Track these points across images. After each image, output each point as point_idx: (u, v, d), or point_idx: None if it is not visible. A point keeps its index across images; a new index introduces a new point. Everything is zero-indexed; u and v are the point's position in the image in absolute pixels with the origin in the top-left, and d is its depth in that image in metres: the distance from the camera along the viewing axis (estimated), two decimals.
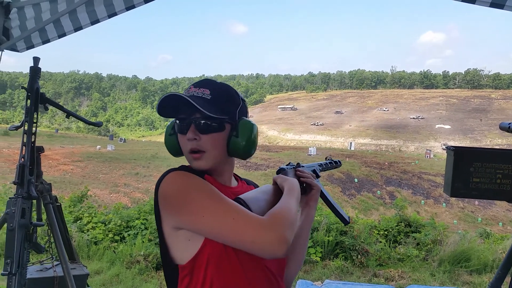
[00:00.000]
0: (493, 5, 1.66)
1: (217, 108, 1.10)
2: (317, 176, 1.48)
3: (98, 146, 44.22)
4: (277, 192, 1.20)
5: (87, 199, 9.86)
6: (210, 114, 1.06)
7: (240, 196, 1.10)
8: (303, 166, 1.42)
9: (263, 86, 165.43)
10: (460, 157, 1.39)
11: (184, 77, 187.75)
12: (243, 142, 1.14)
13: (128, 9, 2.14)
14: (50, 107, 1.89)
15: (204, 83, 1.16)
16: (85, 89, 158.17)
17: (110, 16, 2.20)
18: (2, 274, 1.52)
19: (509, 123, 1.51)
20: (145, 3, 2.06)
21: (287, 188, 1.17)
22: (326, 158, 1.62)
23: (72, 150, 39.16)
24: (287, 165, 1.38)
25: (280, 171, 1.32)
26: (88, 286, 2.06)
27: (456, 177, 1.37)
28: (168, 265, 1.10)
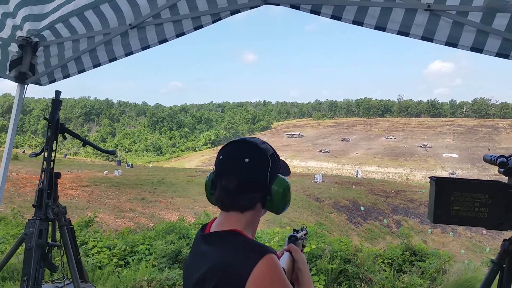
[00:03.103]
0: (473, 49, 1.84)
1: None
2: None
3: (106, 171, 44.42)
4: (291, 262, 1.37)
5: (93, 224, 9.93)
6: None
7: None
8: (304, 238, 1.60)
9: (270, 113, 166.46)
10: (441, 187, 1.51)
11: (193, 103, 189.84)
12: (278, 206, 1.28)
13: (143, 49, 2.35)
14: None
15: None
16: (95, 115, 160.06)
17: (127, 54, 2.41)
18: None
19: (491, 156, 1.64)
20: (159, 44, 2.26)
21: (308, 277, 1.36)
22: (302, 228, 1.72)
23: (79, 175, 39.39)
24: (296, 231, 1.54)
25: (292, 239, 1.48)
26: None
27: (437, 205, 1.49)
28: None
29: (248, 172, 1.24)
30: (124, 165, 62.88)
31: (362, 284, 6.20)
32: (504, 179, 1.60)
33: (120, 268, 6.81)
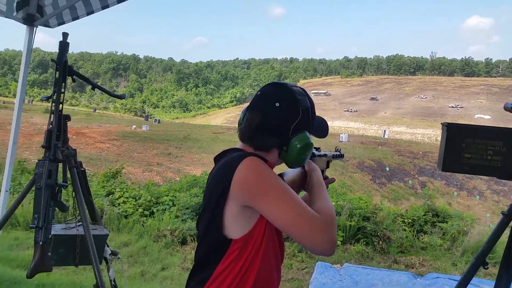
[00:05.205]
0: None
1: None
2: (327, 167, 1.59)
3: (134, 126, 45.33)
4: (303, 174, 1.39)
5: (120, 175, 10.23)
6: None
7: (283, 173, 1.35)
8: (325, 154, 1.55)
9: (296, 71, 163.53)
10: (453, 133, 1.42)
11: (219, 60, 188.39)
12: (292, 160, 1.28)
13: None
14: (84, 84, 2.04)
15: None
16: (123, 70, 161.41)
17: None
18: (30, 227, 1.70)
19: None
20: None
21: (319, 180, 1.34)
22: (335, 149, 1.69)
23: (108, 129, 40.35)
24: (316, 148, 1.48)
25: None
26: (107, 246, 2.23)
27: (448, 152, 1.40)
28: (218, 238, 1.20)
29: (274, 116, 1.24)
30: (151, 120, 63.93)
31: (380, 242, 6.22)
32: None
33: (145, 218, 7.04)
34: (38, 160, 1.79)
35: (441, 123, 1.50)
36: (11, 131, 2.35)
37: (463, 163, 1.41)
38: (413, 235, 6.79)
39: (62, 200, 1.83)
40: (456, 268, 5.65)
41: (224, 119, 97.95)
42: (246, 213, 1.18)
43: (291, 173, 1.39)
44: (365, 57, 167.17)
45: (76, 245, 2.00)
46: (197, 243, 1.32)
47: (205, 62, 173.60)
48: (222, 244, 1.19)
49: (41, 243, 1.69)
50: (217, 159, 1.36)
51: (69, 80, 2.02)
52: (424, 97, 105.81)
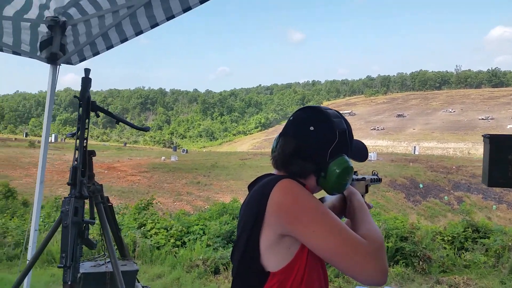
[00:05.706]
0: None
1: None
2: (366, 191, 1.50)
3: (163, 157, 46.14)
4: (342, 199, 1.30)
5: (152, 206, 10.30)
6: None
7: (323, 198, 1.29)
8: (364, 178, 1.48)
9: (319, 93, 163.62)
10: (497, 145, 1.31)
11: (242, 88, 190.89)
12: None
13: (168, 19, 2.28)
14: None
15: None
16: (150, 104, 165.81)
17: (152, 26, 2.37)
18: (59, 267, 1.67)
19: None
20: (184, 12, 2.18)
21: (360, 204, 1.25)
22: (372, 173, 1.61)
23: (139, 161, 41.15)
24: (354, 172, 1.40)
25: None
26: (138, 281, 2.18)
27: (493, 166, 1.29)
28: (254, 271, 1.11)
29: (309, 140, 1.17)
30: (179, 151, 64.94)
31: (420, 262, 5.95)
32: None
33: (177, 248, 7.00)
34: (64, 198, 1.78)
35: (482, 135, 1.40)
36: (38, 170, 2.36)
37: (511, 176, 1.30)
38: (454, 253, 6.49)
39: (93, 235, 1.80)
40: (506, 287, 5.30)
41: (250, 145, 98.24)
42: (284, 243, 1.08)
43: (330, 198, 1.30)
44: (388, 75, 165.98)
45: (106, 282, 1.96)
46: (232, 278, 1.22)
47: (228, 91, 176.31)
48: (259, 277, 1.09)
49: (69, 282, 1.66)
50: (251, 186, 1.27)
51: (93, 115, 2.03)
52: (452, 110, 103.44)
